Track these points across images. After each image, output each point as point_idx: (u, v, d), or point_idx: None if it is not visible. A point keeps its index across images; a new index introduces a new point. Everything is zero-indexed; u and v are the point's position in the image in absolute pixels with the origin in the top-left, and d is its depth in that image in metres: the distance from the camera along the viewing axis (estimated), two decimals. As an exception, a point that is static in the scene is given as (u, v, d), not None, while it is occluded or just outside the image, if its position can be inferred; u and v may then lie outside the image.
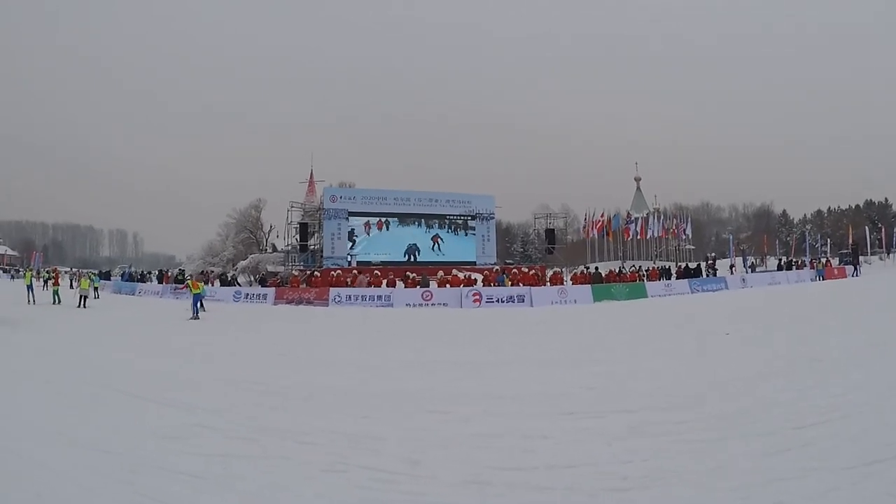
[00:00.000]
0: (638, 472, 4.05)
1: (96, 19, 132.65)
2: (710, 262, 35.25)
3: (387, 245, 33.55)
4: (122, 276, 36.83)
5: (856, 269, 33.69)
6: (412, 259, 33.39)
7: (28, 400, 6.40)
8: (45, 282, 24.65)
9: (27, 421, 5.48)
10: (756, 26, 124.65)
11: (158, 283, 31.45)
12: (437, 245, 34.46)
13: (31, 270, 27.58)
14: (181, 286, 24.03)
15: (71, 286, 24.74)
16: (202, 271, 32.38)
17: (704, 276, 29.75)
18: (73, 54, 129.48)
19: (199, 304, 17.27)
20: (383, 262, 31.77)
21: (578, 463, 4.27)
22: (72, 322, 15.72)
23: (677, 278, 28.67)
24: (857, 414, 5.05)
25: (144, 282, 33.85)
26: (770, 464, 4.03)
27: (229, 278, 31.90)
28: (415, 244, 34.05)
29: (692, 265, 32.90)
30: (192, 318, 16.55)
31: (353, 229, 33.20)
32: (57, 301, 20.77)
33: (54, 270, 26.55)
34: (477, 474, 4.09)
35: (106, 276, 37.99)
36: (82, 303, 19.76)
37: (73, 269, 50.67)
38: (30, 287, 21.09)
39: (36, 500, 3.65)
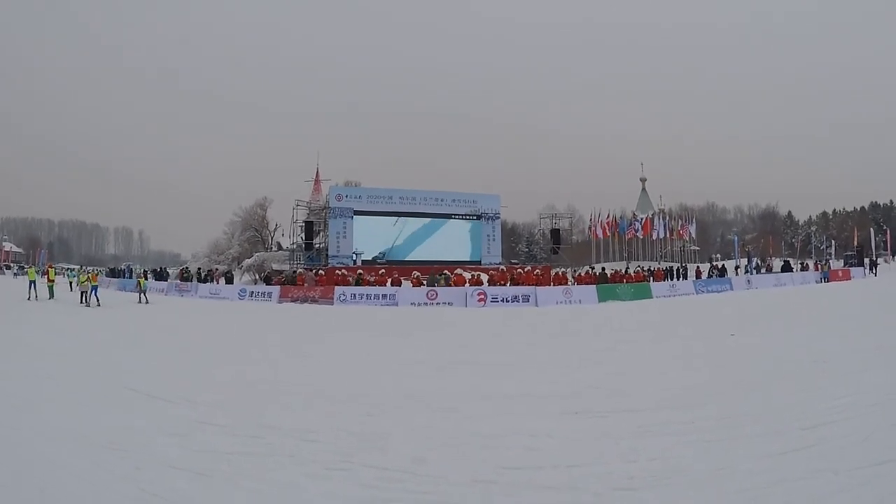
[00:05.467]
0: (644, 471, 4.05)
1: (101, 12, 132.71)
2: (714, 263, 35.14)
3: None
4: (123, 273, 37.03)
5: (874, 268, 33.68)
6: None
7: (30, 395, 6.41)
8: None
9: (30, 416, 5.50)
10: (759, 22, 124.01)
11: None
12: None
13: (33, 267, 27.84)
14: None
15: (74, 287, 24.92)
16: (144, 270, 33.25)
17: (707, 276, 29.71)
18: (79, 49, 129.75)
19: (96, 293, 20.13)
20: (388, 260, 31.93)
21: (584, 462, 4.27)
22: (72, 317, 15.86)
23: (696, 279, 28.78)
24: (865, 415, 5.02)
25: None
26: (777, 464, 4.02)
27: (209, 273, 32.36)
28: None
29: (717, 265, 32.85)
30: (83, 304, 19.39)
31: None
32: (51, 296, 21.10)
33: (48, 266, 26.98)
34: (483, 473, 4.09)
35: (112, 273, 38.10)
36: (83, 298, 19.91)
37: (82, 266, 50.82)
38: (33, 283, 21.24)
39: (40, 495, 3.65)
